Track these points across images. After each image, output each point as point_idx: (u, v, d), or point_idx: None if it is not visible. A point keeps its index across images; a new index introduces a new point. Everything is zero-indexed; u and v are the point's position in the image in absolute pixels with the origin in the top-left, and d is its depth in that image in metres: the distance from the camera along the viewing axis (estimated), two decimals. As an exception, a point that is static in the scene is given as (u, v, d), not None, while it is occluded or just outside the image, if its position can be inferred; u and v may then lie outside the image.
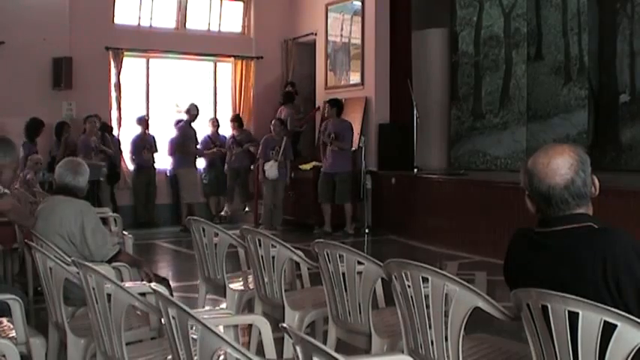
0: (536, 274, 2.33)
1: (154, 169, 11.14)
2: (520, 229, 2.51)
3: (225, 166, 11.47)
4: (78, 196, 4.24)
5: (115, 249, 4.22)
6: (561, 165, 2.32)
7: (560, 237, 2.31)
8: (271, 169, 10.25)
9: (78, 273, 3.08)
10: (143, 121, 11.03)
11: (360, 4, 11.07)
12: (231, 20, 12.44)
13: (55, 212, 4.17)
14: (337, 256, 3.32)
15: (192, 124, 10.76)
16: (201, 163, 11.39)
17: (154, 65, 11.88)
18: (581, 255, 2.23)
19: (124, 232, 6.08)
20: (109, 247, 4.16)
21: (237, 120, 11.64)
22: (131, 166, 11.15)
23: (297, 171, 10.73)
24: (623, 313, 1.97)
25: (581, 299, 2.04)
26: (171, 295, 3.88)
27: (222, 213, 11.57)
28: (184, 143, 10.62)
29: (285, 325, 2.04)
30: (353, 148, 10.11)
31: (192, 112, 10.70)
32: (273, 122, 10.58)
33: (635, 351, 1.98)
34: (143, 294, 3.20)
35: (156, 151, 11.09)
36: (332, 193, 9.98)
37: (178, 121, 11.04)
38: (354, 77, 11.24)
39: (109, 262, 4.06)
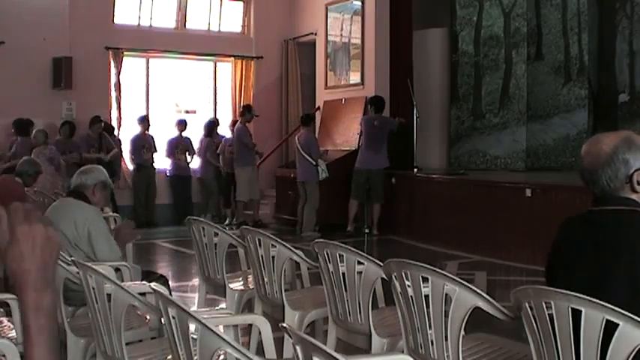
0: (581, 250, 2.33)
1: (154, 168, 11.13)
2: (570, 216, 2.50)
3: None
4: (89, 200, 4.20)
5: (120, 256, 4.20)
6: (605, 144, 2.30)
7: (608, 216, 2.30)
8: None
9: (78, 273, 3.07)
10: (145, 121, 11.04)
11: (360, 4, 11.06)
12: (231, 20, 12.43)
13: (64, 214, 4.14)
14: (337, 256, 3.31)
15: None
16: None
17: (154, 65, 11.86)
18: (622, 235, 2.24)
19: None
20: (115, 255, 4.14)
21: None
22: (131, 166, 11.16)
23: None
24: (626, 313, 1.96)
25: (584, 297, 2.04)
26: (170, 292, 3.89)
27: None
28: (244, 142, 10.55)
29: (285, 325, 2.04)
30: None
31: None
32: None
33: (636, 351, 1.98)
34: (143, 294, 3.20)
35: (155, 151, 11.09)
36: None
37: (181, 122, 11.06)
38: (354, 77, 11.23)
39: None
